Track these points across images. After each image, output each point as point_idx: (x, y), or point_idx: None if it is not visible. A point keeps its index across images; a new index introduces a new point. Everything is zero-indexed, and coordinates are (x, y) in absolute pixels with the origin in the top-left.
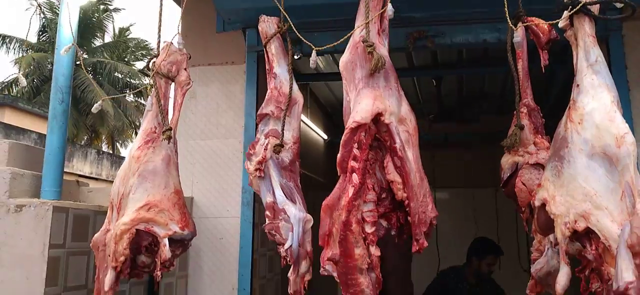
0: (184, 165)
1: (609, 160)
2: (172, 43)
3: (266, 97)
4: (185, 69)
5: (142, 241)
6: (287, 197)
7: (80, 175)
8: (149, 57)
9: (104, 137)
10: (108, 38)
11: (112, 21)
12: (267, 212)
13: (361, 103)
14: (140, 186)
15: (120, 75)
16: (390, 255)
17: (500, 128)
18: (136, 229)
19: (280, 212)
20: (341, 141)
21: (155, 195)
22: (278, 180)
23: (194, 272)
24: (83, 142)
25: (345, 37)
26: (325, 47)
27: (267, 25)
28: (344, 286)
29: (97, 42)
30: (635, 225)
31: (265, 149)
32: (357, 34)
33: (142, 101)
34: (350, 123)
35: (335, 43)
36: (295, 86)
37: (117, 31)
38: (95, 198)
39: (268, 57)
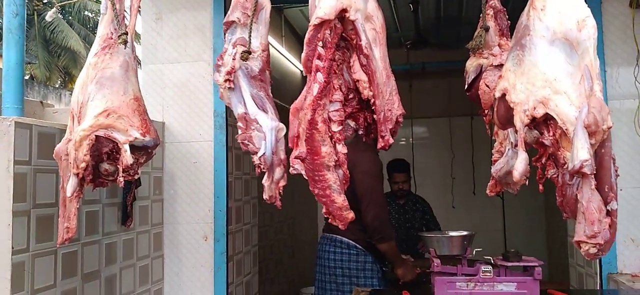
0: (154, 90)
1: (570, 45)
2: None
3: (232, 3)
4: None
5: (102, 148)
6: (258, 107)
7: None
8: None
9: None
10: None
11: None
12: (240, 124)
13: None
14: (98, 93)
15: (90, 14)
16: (359, 179)
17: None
18: (96, 136)
19: (252, 122)
20: (305, 39)
21: (113, 102)
22: (249, 91)
23: (169, 196)
24: (57, 85)
25: None
26: None
27: None
28: (311, 181)
29: None
30: (592, 106)
31: (234, 59)
32: None
33: None
34: (313, 20)
35: None
36: None
37: None
38: (61, 118)
39: None
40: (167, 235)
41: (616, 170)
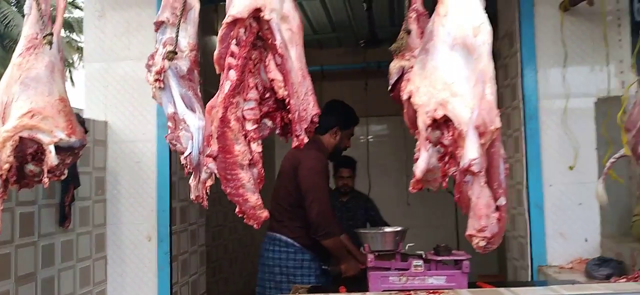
0: (97, 89)
1: (467, 50)
2: None
3: (162, 3)
4: None
5: (27, 149)
6: (187, 107)
7: None
8: None
9: None
10: None
11: None
12: (169, 123)
13: None
14: (22, 94)
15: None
16: (304, 175)
17: None
18: (20, 137)
19: (181, 121)
20: (218, 37)
21: (38, 102)
22: (178, 90)
23: (112, 196)
24: None
25: None
26: None
27: None
28: (223, 180)
29: None
30: (482, 108)
31: (164, 59)
32: None
33: (74, 36)
34: (226, 18)
35: None
36: None
37: None
38: None
39: None
40: (110, 236)
41: (506, 169)
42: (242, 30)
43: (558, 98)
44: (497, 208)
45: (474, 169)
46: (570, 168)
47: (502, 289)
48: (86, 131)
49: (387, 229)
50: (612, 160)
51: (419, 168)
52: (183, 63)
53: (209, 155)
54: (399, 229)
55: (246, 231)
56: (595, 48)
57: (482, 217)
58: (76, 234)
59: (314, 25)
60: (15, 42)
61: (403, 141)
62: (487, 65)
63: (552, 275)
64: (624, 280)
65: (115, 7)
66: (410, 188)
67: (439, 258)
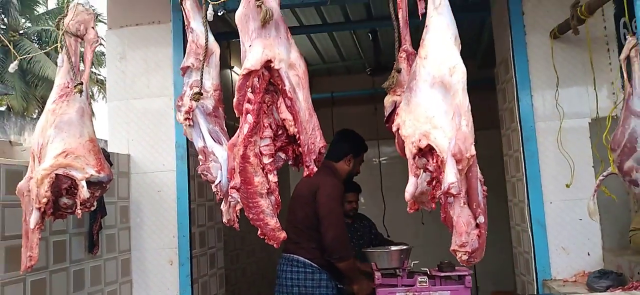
0: (120, 124)
1: (445, 88)
2: (79, 3)
3: (186, 51)
4: (92, 28)
5: (61, 184)
6: (215, 141)
7: None
8: (58, 17)
9: None
10: (52, 4)
11: None
12: (200, 156)
13: (252, 51)
14: (57, 136)
15: None
16: (322, 201)
17: None
18: (56, 174)
19: (210, 154)
20: (236, 86)
21: (71, 144)
22: (206, 127)
23: (135, 224)
24: (35, 115)
25: None
26: (219, 2)
27: None
28: (246, 208)
29: (41, 10)
30: (458, 138)
31: (191, 100)
32: None
33: (93, 69)
34: (242, 70)
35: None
36: (211, 37)
37: None
38: (28, 155)
39: (185, 13)
40: (135, 261)
41: (484, 191)
42: (256, 80)
43: (553, 119)
44: (477, 225)
45: (453, 191)
46: (567, 186)
47: None
48: (111, 164)
49: (393, 248)
50: (600, 178)
51: (408, 192)
52: (209, 102)
53: (232, 187)
54: (404, 247)
55: (263, 254)
56: (586, 72)
57: (463, 233)
58: (103, 259)
59: (323, 56)
60: (37, 77)
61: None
62: (462, 100)
63: (556, 288)
64: (620, 290)
65: (135, 48)
66: (408, 209)
67: (443, 274)
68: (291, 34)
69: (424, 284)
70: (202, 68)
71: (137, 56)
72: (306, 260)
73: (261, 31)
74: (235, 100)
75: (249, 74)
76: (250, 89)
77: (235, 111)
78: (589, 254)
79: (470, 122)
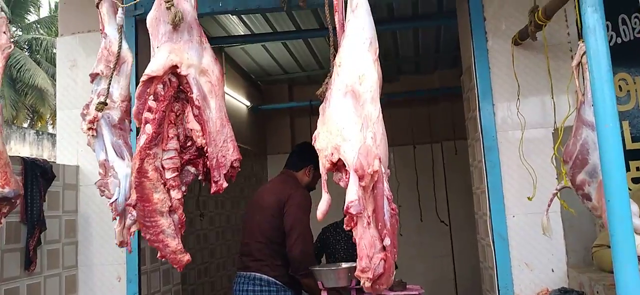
0: (69, 134)
1: (356, 97)
2: None
3: (97, 56)
4: (4, 33)
5: None
6: (117, 155)
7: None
8: None
9: (49, 117)
10: (44, 13)
11: None
12: (100, 170)
13: (156, 56)
14: None
15: None
16: (292, 212)
17: (419, 87)
18: None
19: (110, 169)
20: (136, 93)
21: None
22: (110, 139)
23: (84, 238)
24: (26, 125)
25: None
26: (129, 3)
27: None
28: (142, 228)
29: (32, 18)
30: (360, 152)
31: (96, 109)
32: None
33: None
34: (143, 76)
35: (137, 1)
36: (125, 45)
37: (53, 5)
38: None
39: (100, 17)
40: (82, 278)
41: (394, 210)
42: (160, 86)
43: (516, 129)
44: (384, 248)
45: (352, 210)
46: (529, 199)
47: None
48: (54, 177)
49: (342, 265)
50: (554, 191)
51: (320, 210)
52: (115, 113)
53: (127, 204)
54: (353, 264)
55: (235, 268)
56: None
57: (363, 257)
58: (43, 276)
59: (301, 64)
60: (27, 85)
61: (393, 172)
62: (370, 110)
63: None
64: None
65: (86, 55)
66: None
67: (394, 294)
68: (266, 41)
69: None
70: (111, 76)
71: (89, 64)
72: (270, 278)
73: (172, 35)
74: (134, 108)
75: (150, 80)
76: (152, 96)
77: (135, 121)
78: (553, 271)
79: (379, 133)
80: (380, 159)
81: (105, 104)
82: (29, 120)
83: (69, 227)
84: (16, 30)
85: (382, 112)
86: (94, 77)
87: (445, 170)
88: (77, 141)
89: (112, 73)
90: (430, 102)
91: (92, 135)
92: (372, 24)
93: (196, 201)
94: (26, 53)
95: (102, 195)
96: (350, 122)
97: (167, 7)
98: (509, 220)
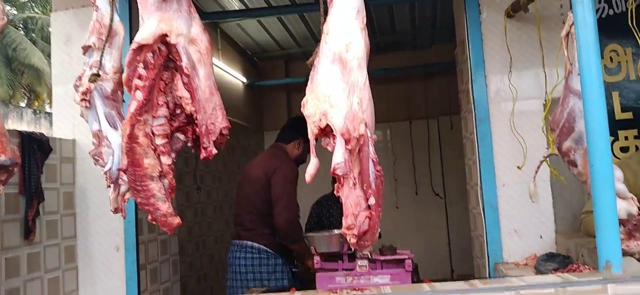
0: (65, 109)
1: (342, 64)
2: None
3: (89, 29)
4: None
5: None
6: (110, 125)
7: None
8: None
9: (45, 96)
10: None
11: None
12: (93, 140)
13: (146, 24)
14: None
15: None
16: (278, 183)
17: (416, 62)
18: None
19: (104, 139)
20: (125, 60)
21: None
22: (103, 110)
23: (81, 210)
24: (24, 104)
25: None
26: None
27: None
28: (134, 192)
29: None
30: (346, 117)
31: (89, 81)
32: None
33: None
34: (132, 44)
35: None
36: (116, 17)
37: None
38: None
39: None
40: (80, 248)
41: (379, 172)
42: (149, 54)
43: (507, 101)
44: (369, 207)
45: (338, 172)
46: (519, 168)
47: (424, 285)
48: (51, 150)
49: (334, 232)
50: (541, 159)
51: (309, 173)
52: (107, 84)
53: (119, 169)
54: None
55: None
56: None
57: (350, 215)
58: (43, 246)
59: (297, 39)
60: (23, 64)
61: (389, 146)
62: (357, 77)
63: (505, 271)
64: (562, 272)
65: (81, 30)
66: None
67: (383, 258)
68: (261, 15)
69: (364, 268)
70: (103, 48)
71: (83, 38)
72: (261, 246)
73: (161, 4)
74: (124, 75)
75: (140, 48)
76: (142, 64)
77: (126, 88)
78: (541, 237)
79: (365, 99)
80: (366, 123)
81: (97, 75)
82: (26, 100)
83: (67, 199)
84: (11, 9)
85: (379, 87)
86: (86, 49)
87: (441, 144)
88: (74, 115)
89: (104, 45)
90: (426, 77)
91: (85, 107)
92: None
93: (193, 175)
94: (21, 32)
95: (96, 164)
96: (337, 89)
97: None
98: (500, 190)
